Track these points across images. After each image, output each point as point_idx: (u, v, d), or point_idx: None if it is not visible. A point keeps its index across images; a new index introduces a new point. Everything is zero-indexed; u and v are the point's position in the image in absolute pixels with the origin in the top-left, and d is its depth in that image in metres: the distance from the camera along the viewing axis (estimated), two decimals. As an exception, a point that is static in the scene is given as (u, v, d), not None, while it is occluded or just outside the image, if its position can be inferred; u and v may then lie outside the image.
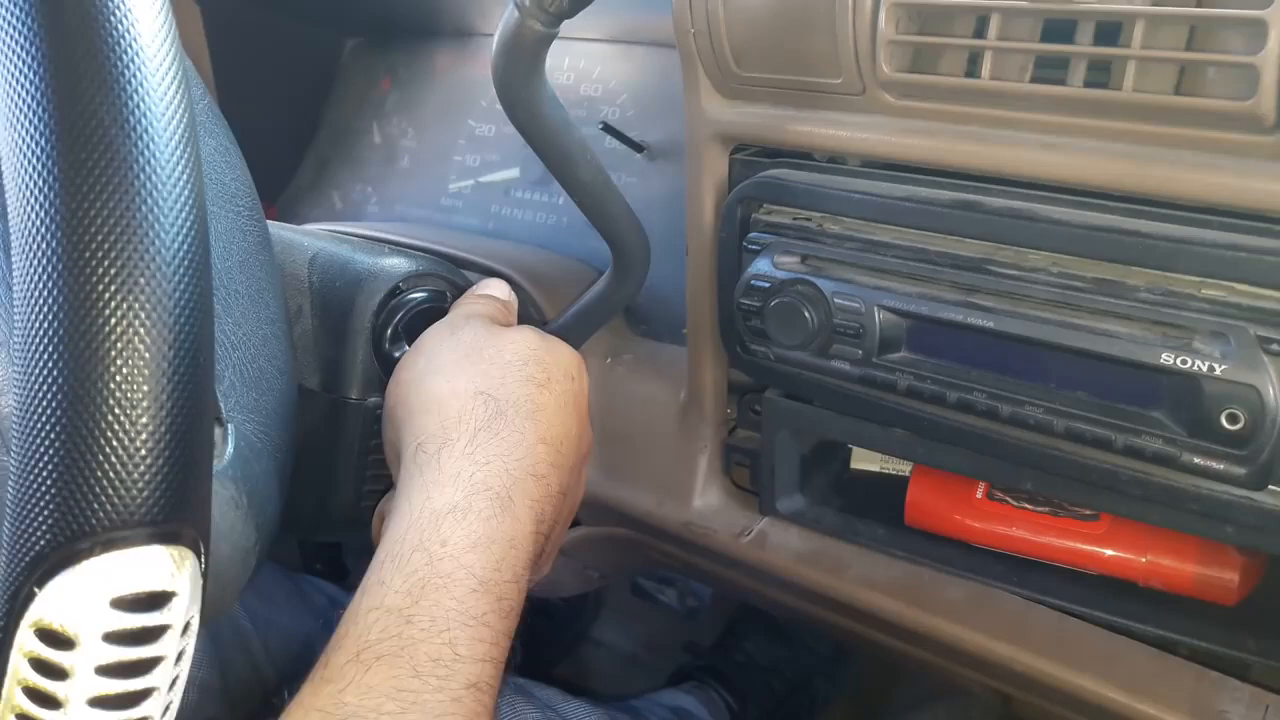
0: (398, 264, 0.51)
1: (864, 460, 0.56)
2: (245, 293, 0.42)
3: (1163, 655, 0.45)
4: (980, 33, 0.41)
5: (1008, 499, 0.49)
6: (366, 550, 1.23)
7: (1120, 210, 0.40)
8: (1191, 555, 0.45)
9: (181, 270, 0.28)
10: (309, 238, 0.53)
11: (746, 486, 0.57)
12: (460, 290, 0.53)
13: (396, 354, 0.50)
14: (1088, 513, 0.47)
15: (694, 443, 0.57)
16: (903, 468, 0.54)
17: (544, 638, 1.17)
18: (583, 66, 0.72)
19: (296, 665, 0.74)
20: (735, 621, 1.07)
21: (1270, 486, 0.38)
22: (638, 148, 0.68)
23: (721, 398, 0.56)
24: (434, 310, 0.51)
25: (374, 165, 0.82)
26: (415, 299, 0.51)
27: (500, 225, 0.74)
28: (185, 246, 0.28)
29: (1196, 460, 0.38)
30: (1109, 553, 0.47)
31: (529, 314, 0.60)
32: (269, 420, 0.42)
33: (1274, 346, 0.36)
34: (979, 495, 0.49)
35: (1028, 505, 0.48)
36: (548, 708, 0.64)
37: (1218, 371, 0.37)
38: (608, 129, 0.68)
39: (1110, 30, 0.39)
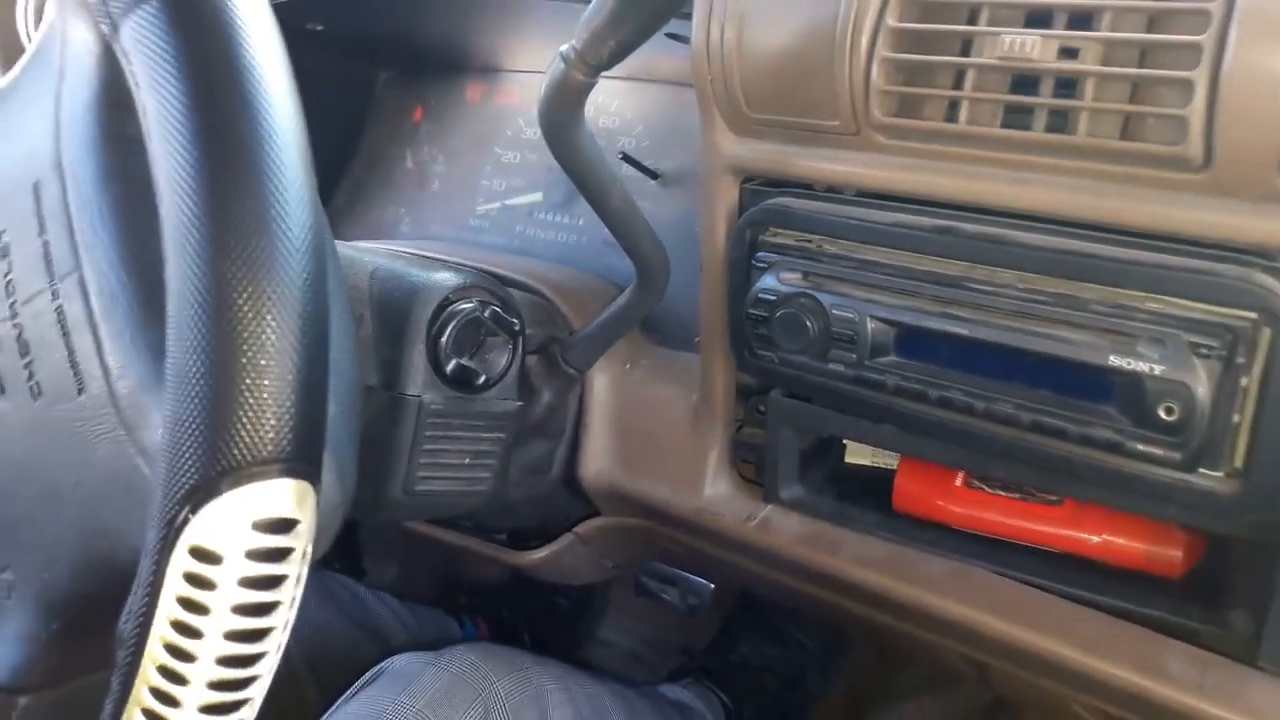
0: (448, 278, 0.57)
1: (857, 455, 0.62)
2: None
3: (1116, 621, 0.51)
4: (958, 85, 0.48)
5: (983, 486, 0.55)
6: (383, 551, 1.30)
7: (1077, 236, 0.46)
8: (1141, 535, 0.52)
9: (303, 257, 0.33)
10: (368, 254, 0.60)
11: (752, 478, 0.63)
12: (501, 301, 0.60)
13: (446, 357, 0.56)
14: (1052, 498, 0.54)
15: (705, 439, 0.64)
16: (891, 461, 0.60)
17: (550, 636, 1.22)
18: (602, 101, 0.79)
19: (321, 652, 0.80)
20: (729, 623, 1.13)
21: (1200, 469, 0.45)
22: (653, 175, 0.75)
23: (730, 399, 0.62)
24: (479, 319, 0.58)
25: (407, 189, 0.89)
26: (464, 309, 0.57)
27: (524, 244, 0.81)
28: (305, 236, 0.33)
29: (1140, 447, 0.45)
30: (1070, 533, 0.53)
31: (557, 324, 0.67)
32: (346, 403, 0.48)
33: (1202, 350, 0.43)
34: (958, 483, 0.56)
35: (1000, 491, 0.55)
36: (561, 679, 0.70)
37: (1156, 371, 0.44)
38: (626, 158, 0.75)
39: (1068, 84, 0.46)
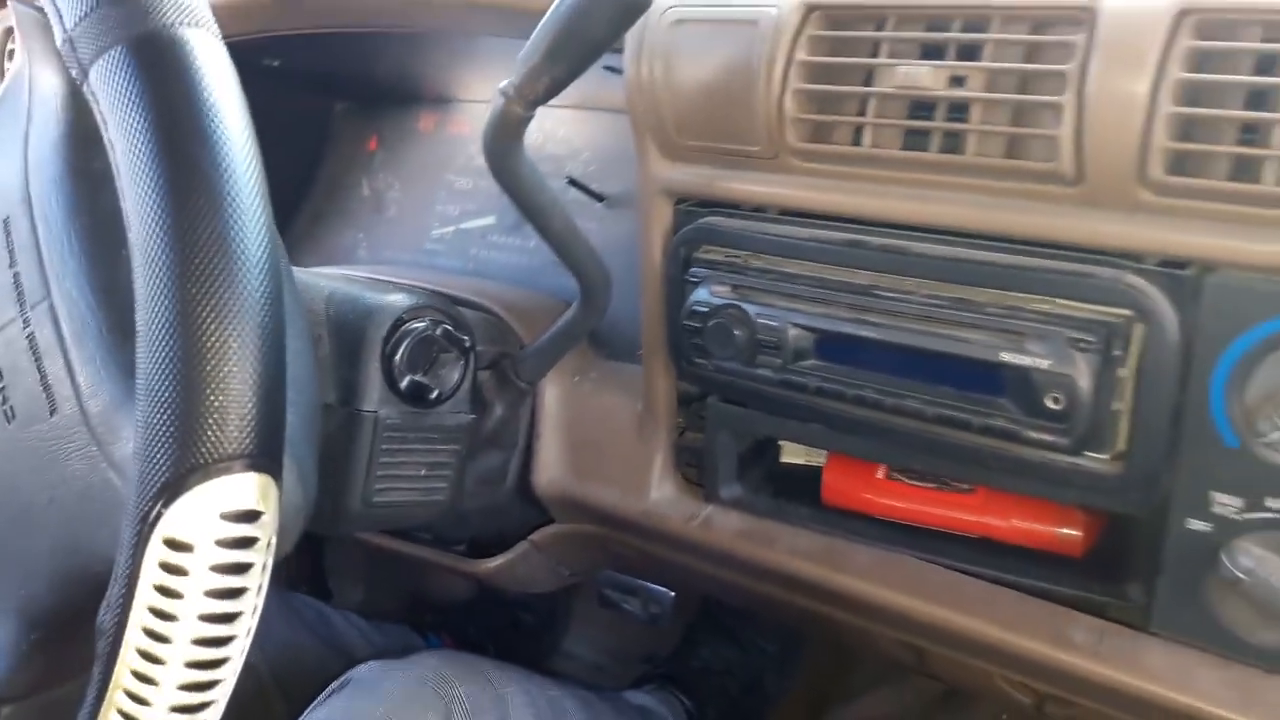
0: (401, 299, 0.61)
1: (792, 454, 0.66)
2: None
3: (1029, 599, 0.55)
4: (863, 112, 0.53)
5: (903, 478, 0.60)
6: (348, 572, 1.32)
7: (971, 245, 0.51)
8: (1045, 518, 0.56)
9: (260, 275, 0.36)
10: (324, 279, 0.63)
11: (695, 480, 0.67)
12: (453, 319, 0.63)
13: (400, 374, 0.60)
14: (965, 487, 0.58)
15: (650, 445, 0.67)
16: (822, 460, 0.65)
17: (515, 651, 1.25)
18: (549, 129, 0.83)
19: (289, 669, 0.83)
20: (690, 629, 1.16)
21: (1087, 453, 0.49)
22: (599, 198, 0.79)
23: (672, 406, 0.66)
24: (431, 337, 0.61)
25: (363, 216, 0.92)
26: (416, 328, 0.61)
27: (479, 266, 0.85)
28: (262, 256, 0.36)
29: (1033, 435, 0.50)
30: (983, 519, 0.58)
31: (509, 340, 0.70)
32: (305, 415, 0.51)
33: (1081, 344, 0.48)
34: (880, 476, 0.60)
35: (919, 483, 0.59)
36: (522, 683, 0.73)
37: (1043, 366, 0.48)
38: (572, 182, 0.79)
39: (960, 109, 0.51)
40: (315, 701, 0.70)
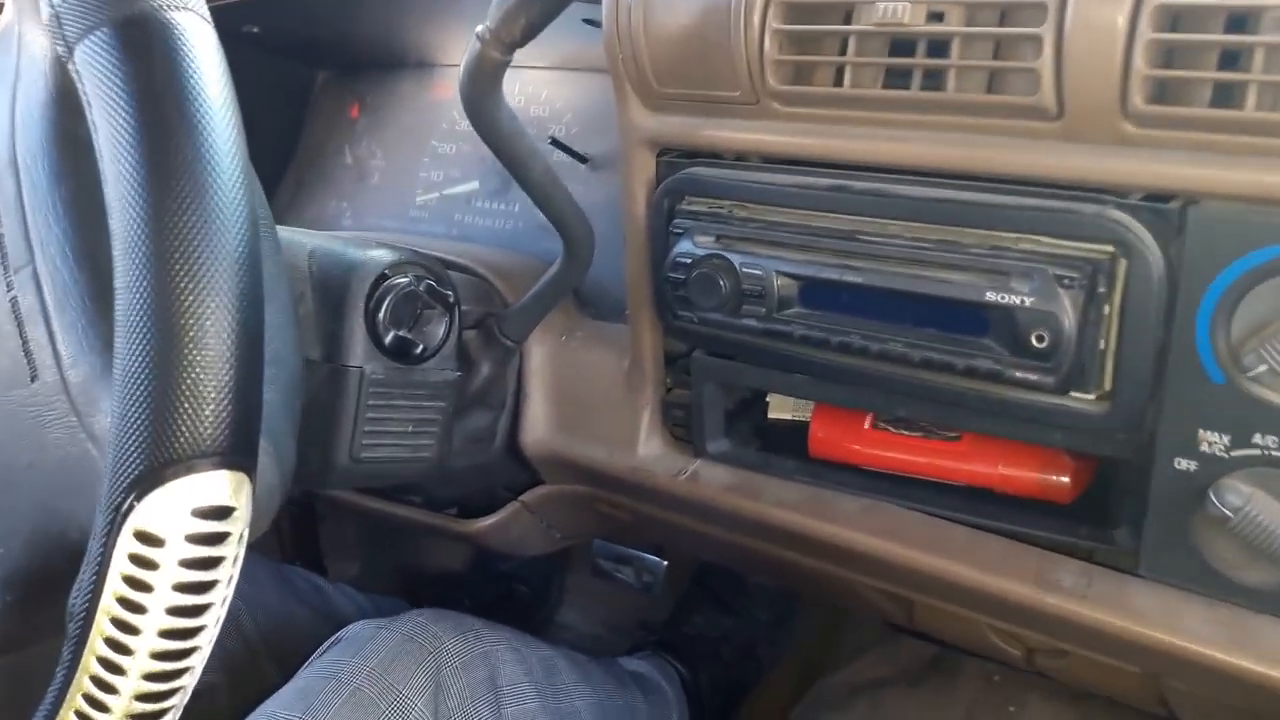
0: (384, 254, 0.61)
1: (779, 410, 0.66)
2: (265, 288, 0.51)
3: (1014, 544, 0.55)
4: (842, 51, 0.52)
5: (889, 427, 0.59)
6: (342, 546, 1.32)
7: (954, 185, 0.51)
8: (1033, 464, 0.56)
9: (240, 268, 0.36)
10: (307, 236, 0.63)
11: (682, 436, 0.67)
12: (436, 276, 0.63)
13: (384, 329, 0.60)
14: (951, 434, 0.58)
15: (637, 401, 0.67)
16: (809, 415, 0.64)
17: (510, 623, 1.25)
18: (531, 91, 0.83)
19: (280, 637, 0.83)
20: (684, 598, 1.16)
21: (1073, 393, 0.49)
22: (582, 159, 0.79)
23: (659, 361, 0.66)
24: (414, 293, 0.61)
25: (347, 184, 0.92)
26: (400, 283, 0.60)
27: (463, 232, 0.84)
28: (242, 249, 0.36)
29: (1018, 375, 0.49)
30: (969, 466, 0.57)
31: (493, 301, 0.70)
32: (284, 389, 0.51)
33: (1065, 281, 0.47)
34: (866, 426, 0.60)
35: (904, 431, 0.59)
36: (510, 641, 0.73)
37: (1027, 304, 0.48)
38: (555, 143, 0.79)
39: (940, 45, 0.50)
40: (307, 661, 0.70)
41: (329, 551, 1.26)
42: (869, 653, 1.08)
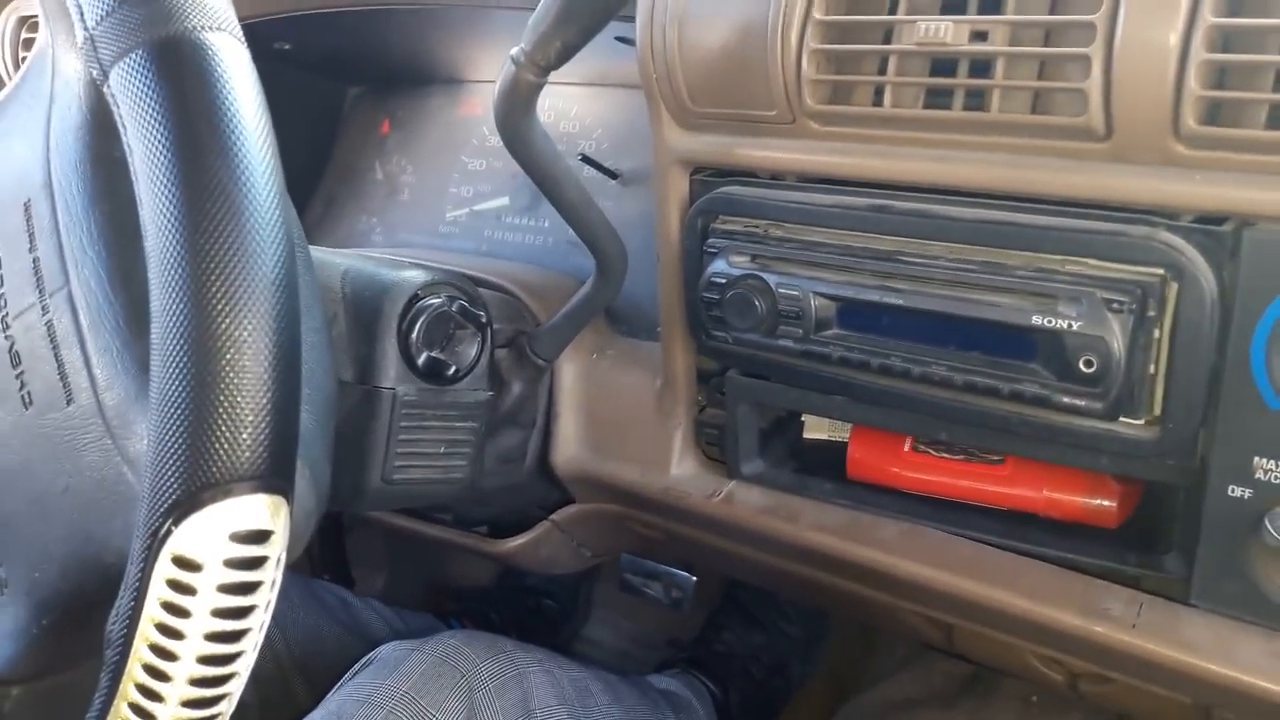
0: (417, 275, 0.60)
1: (815, 430, 0.65)
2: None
3: (1059, 571, 0.54)
4: (882, 71, 0.51)
5: (930, 450, 0.58)
6: (370, 560, 1.32)
7: (999, 206, 0.50)
8: (1079, 489, 0.55)
9: (276, 290, 0.35)
10: (340, 257, 0.63)
11: (716, 457, 0.66)
12: (468, 296, 0.63)
13: (417, 350, 0.59)
14: (995, 458, 0.57)
15: (670, 421, 0.66)
16: (846, 435, 0.63)
17: (538, 638, 1.25)
18: (562, 107, 0.82)
19: (310, 655, 0.83)
20: (714, 614, 1.15)
21: (1121, 418, 0.48)
22: (612, 175, 0.78)
23: (692, 380, 0.65)
24: (447, 313, 0.61)
25: (377, 199, 0.92)
26: (432, 304, 0.60)
27: (493, 248, 0.84)
28: (279, 271, 0.36)
29: (1065, 400, 0.48)
30: (1013, 490, 0.56)
31: (525, 319, 0.70)
32: (319, 410, 0.50)
33: (1114, 305, 0.46)
34: (906, 449, 0.59)
35: (946, 454, 0.58)
36: (543, 662, 0.73)
37: (1075, 328, 0.47)
38: (585, 159, 0.78)
39: (983, 66, 0.49)
40: (339, 682, 0.70)
41: (356, 563, 1.26)
42: (902, 672, 1.06)
